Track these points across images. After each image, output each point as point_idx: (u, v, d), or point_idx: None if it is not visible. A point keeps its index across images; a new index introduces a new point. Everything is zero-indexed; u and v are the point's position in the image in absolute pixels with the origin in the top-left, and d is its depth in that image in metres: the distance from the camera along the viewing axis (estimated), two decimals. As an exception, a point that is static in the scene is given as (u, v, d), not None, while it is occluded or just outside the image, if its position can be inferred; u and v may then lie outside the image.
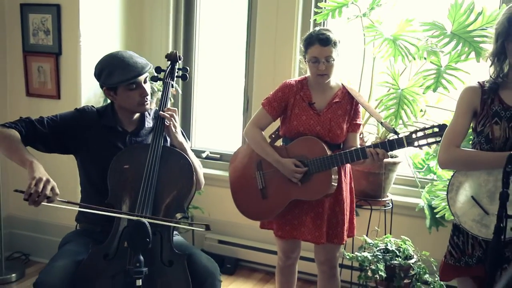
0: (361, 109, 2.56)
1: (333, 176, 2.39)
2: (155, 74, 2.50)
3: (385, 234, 2.85)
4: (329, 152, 2.38)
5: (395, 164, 2.94)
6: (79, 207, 1.99)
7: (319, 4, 3.06)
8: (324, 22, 3.29)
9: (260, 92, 3.45)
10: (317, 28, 2.49)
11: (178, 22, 3.90)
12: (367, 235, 2.86)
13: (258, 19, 3.58)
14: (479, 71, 2.58)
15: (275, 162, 2.47)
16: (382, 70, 2.89)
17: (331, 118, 2.46)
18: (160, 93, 2.67)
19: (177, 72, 2.49)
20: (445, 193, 2.25)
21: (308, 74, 2.51)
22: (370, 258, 2.59)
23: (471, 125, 2.20)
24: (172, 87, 2.47)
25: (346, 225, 2.53)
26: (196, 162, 2.30)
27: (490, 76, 2.14)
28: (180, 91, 3.80)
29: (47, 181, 1.87)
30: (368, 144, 2.66)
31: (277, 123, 2.65)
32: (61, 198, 1.92)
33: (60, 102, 3.52)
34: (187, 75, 2.53)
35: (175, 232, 2.29)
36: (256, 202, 2.54)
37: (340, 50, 2.42)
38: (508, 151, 2.01)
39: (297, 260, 2.75)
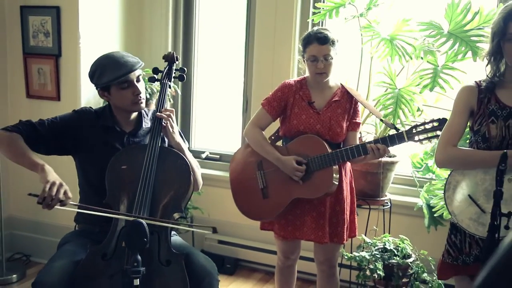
0: (360, 108, 2.57)
1: (334, 173, 2.39)
2: (153, 75, 2.51)
3: (384, 234, 2.85)
4: (329, 150, 2.39)
5: (393, 163, 2.94)
6: (91, 210, 2.00)
7: (316, 5, 3.07)
8: (322, 23, 3.30)
9: (259, 92, 3.46)
10: (315, 28, 2.50)
11: (178, 23, 3.91)
12: (365, 235, 2.86)
13: (256, 20, 3.59)
14: (476, 70, 2.59)
15: (276, 160, 2.47)
16: (379, 69, 2.89)
17: (330, 117, 2.46)
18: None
19: (175, 73, 2.50)
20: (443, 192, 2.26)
21: (307, 74, 2.53)
22: (368, 257, 2.60)
23: (468, 124, 2.21)
24: (170, 87, 2.48)
25: (346, 224, 2.54)
26: (193, 162, 2.31)
27: (487, 75, 2.15)
28: (179, 92, 3.82)
29: (60, 185, 1.91)
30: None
31: (276, 125, 2.66)
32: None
33: (60, 104, 3.54)
34: (185, 75, 2.54)
35: (173, 232, 2.30)
36: (257, 202, 2.54)
37: (338, 49, 2.44)
38: (505, 150, 2.02)
39: (296, 261, 2.76)
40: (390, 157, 2.97)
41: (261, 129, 2.57)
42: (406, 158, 3.13)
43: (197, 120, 4.07)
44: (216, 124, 4.13)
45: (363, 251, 2.70)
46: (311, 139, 2.44)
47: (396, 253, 2.65)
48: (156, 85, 3.27)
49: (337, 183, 2.42)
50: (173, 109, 2.35)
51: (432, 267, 2.70)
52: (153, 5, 3.86)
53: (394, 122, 2.77)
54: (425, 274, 2.66)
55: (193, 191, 2.28)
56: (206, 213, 3.63)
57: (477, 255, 2.13)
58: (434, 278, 2.62)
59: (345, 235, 2.52)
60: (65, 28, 3.46)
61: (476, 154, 2.11)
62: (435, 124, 2.25)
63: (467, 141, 2.47)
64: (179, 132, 2.36)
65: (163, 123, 2.24)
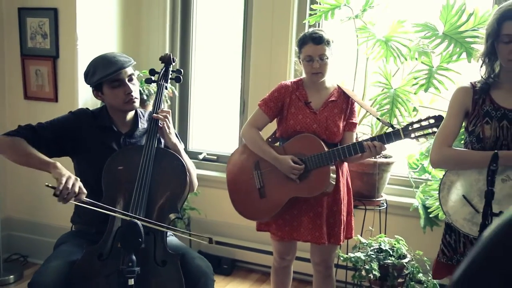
0: (356, 108, 2.59)
1: (331, 172, 2.40)
2: (150, 77, 2.52)
3: (380, 234, 2.86)
4: (326, 149, 2.40)
5: (389, 164, 2.95)
6: (103, 209, 2.02)
7: (312, 6, 3.09)
8: (318, 25, 3.32)
9: (256, 94, 3.47)
10: (310, 29, 2.52)
11: (175, 25, 3.92)
12: (361, 235, 2.87)
13: (253, 22, 3.60)
14: (470, 71, 2.60)
15: (272, 159, 2.48)
16: (375, 70, 2.91)
17: (327, 117, 2.48)
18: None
19: (171, 74, 2.51)
20: (438, 192, 2.27)
21: (304, 75, 2.54)
22: (363, 258, 2.60)
23: (463, 124, 2.22)
24: (166, 89, 2.50)
25: (343, 225, 2.54)
26: (189, 163, 2.32)
27: (481, 77, 2.17)
28: (177, 93, 3.83)
29: (76, 179, 1.96)
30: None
31: (273, 127, 2.67)
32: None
33: (57, 105, 3.54)
34: (181, 77, 2.56)
35: (169, 233, 2.31)
36: (254, 202, 2.55)
37: (333, 50, 2.46)
38: (498, 150, 2.04)
39: (292, 261, 2.77)
40: (386, 157, 2.99)
41: (258, 130, 2.58)
42: (402, 159, 3.14)
43: (194, 121, 4.07)
44: (213, 125, 4.14)
45: (358, 251, 2.71)
46: (307, 138, 2.46)
47: (391, 253, 2.66)
48: (153, 87, 3.28)
49: (334, 182, 2.43)
50: (170, 110, 2.37)
51: (428, 267, 2.71)
52: (151, 6, 3.88)
53: (390, 122, 2.78)
54: (420, 274, 2.67)
55: (189, 192, 2.29)
56: (203, 214, 3.64)
57: (471, 255, 2.14)
58: (429, 278, 2.63)
59: (341, 236, 2.53)
60: (63, 30, 3.47)
61: (470, 154, 2.12)
62: (431, 121, 2.26)
63: (462, 142, 2.49)
64: (175, 133, 2.37)
65: (159, 124, 2.25)
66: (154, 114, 2.28)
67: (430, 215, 2.87)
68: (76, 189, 1.93)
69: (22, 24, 3.57)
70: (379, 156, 2.97)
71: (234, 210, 2.65)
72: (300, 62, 2.51)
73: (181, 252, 2.14)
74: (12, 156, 2.15)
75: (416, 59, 2.78)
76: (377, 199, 3.00)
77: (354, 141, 2.55)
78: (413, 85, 2.76)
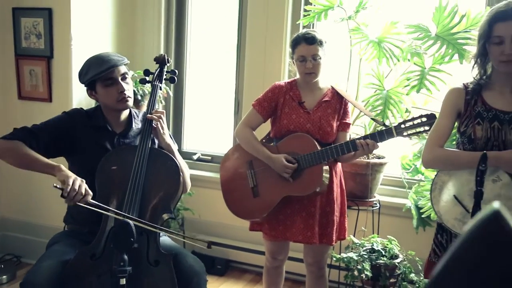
0: (350, 109, 2.60)
1: (324, 171, 2.41)
2: (144, 77, 2.53)
3: (372, 234, 2.88)
4: (319, 148, 2.41)
5: (381, 165, 2.97)
6: (109, 212, 2.03)
7: (305, 7, 3.10)
8: (312, 26, 3.33)
9: (250, 94, 3.48)
10: (303, 30, 2.54)
11: (170, 25, 3.93)
12: (354, 235, 2.89)
13: (248, 23, 3.61)
14: (462, 72, 2.62)
15: (266, 158, 2.49)
16: (368, 71, 2.92)
17: (321, 116, 2.49)
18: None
19: (166, 75, 2.52)
20: (431, 193, 2.28)
21: (298, 76, 2.56)
22: (356, 258, 2.62)
23: (455, 125, 2.24)
24: (160, 89, 2.50)
25: (336, 225, 2.55)
26: (183, 164, 2.33)
27: (473, 78, 2.18)
28: (171, 94, 3.83)
29: (82, 181, 1.98)
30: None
31: (268, 128, 2.68)
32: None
33: (51, 105, 3.54)
34: (176, 77, 2.57)
35: (162, 233, 2.31)
36: (248, 201, 2.56)
37: (326, 50, 2.48)
38: (489, 151, 2.05)
39: (284, 262, 2.78)
40: (379, 158, 3.00)
41: (252, 129, 2.60)
42: (395, 159, 3.16)
43: (189, 121, 4.08)
44: (207, 126, 4.15)
45: (351, 252, 2.72)
46: (301, 137, 2.47)
47: (383, 253, 2.67)
48: (148, 87, 3.29)
49: (327, 182, 2.45)
50: (164, 111, 2.37)
51: (420, 267, 2.72)
52: (146, 7, 3.88)
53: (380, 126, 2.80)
54: (412, 274, 2.68)
55: (182, 192, 2.30)
56: (197, 214, 3.64)
57: (462, 255, 2.15)
58: (422, 278, 2.65)
59: (334, 236, 2.54)
60: (57, 30, 3.47)
61: (461, 155, 2.14)
62: (424, 119, 2.28)
63: (454, 143, 2.50)
64: (169, 134, 2.38)
65: (153, 124, 2.26)
66: (148, 115, 2.28)
67: (423, 216, 2.88)
68: (83, 191, 1.95)
69: (17, 24, 3.56)
70: (372, 156, 2.99)
71: (228, 210, 2.66)
72: (293, 62, 2.53)
73: (174, 252, 2.15)
74: (14, 160, 2.14)
75: (409, 60, 2.80)
76: (370, 200, 3.02)
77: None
78: (405, 86, 2.78)
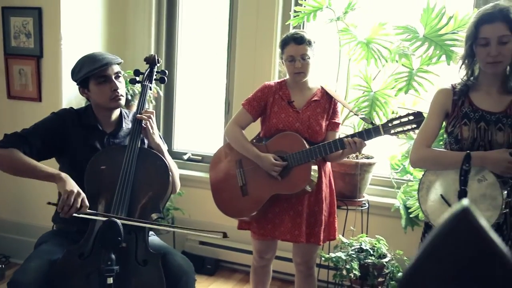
0: (339, 109, 2.62)
1: (312, 171, 2.43)
2: (134, 77, 2.53)
3: (361, 234, 2.90)
4: (307, 146, 2.43)
5: (370, 165, 2.99)
6: (104, 217, 2.04)
7: (295, 8, 3.12)
8: (302, 26, 3.35)
9: (241, 94, 3.48)
10: (292, 30, 2.55)
11: (161, 25, 3.93)
12: (343, 235, 2.91)
13: (238, 24, 3.62)
14: (450, 73, 2.64)
15: (254, 157, 2.51)
16: (357, 72, 2.94)
17: (310, 116, 2.51)
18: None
19: (156, 75, 2.53)
20: (419, 192, 2.30)
21: (288, 76, 2.58)
22: (344, 258, 2.63)
23: (443, 125, 2.26)
24: (150, 89, 2.51)
25: (324, 225, 2.57)
26: (172, 164, 2.33)
27: (461, 79, 2.21)
28: (162, 94, 3.83)
29: (78, 193, 1.99)
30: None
31: (258, 129, 2.70)
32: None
33: (41, 105, 3.53)
34: (166, 78, 2.57)
35: (151, 232, 2.32)
36: (237, 200, 2.58)
37: (315, 50, 2.50)
38: (476, 151, 2.08)
39: (271, 261, 2.80)
40: (367, 158, 3.02)
41: (241, 128, 2.61)
42: (384, 159, 3.18)
43: (179, 121, 4.08)
44: (198, 126, 4.15)
45: (340, 251, 2.74)
46: (289, 136, 2.49)
47: (371, 253, 2.69)
48: (138, 87, 3.29)
49: (315, 180, 2.46)
50: (153, 111, 2.38)
51: (408, 266, 2.74)
52: (136, 7, 3.88)
53: (368, 125, 2.82)
54: (400, 274, 2.70)
55: (171, 193, 2.31)
56: (187, 214, 3.64)
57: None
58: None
59: (322, 236, 2.56)
60: (47, 29, 3.47)
61: (447, 155, 2.16)
62: (411, 117, 2.31)
63: (441, 143, 2.53)
64: (158, 134, 2.38)
65: (143, 124, 2.27)
66: (138, 115, 2.29)
67: (411, 215, 2.91)
68: (78, 205, 1.97)
69: (6, 23, 3.55)
70: (361, 156, 3.01)
71: (218, 210, 2.67)
72: (283, 63, 2.55)
73: (163, 251, 2.15)
74: (11, 170, 2.14)
75: (397, 61, 2.82)
76: (359, 200, 3.03)
77: None
78: (393, 88, 2.80)
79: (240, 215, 2.62)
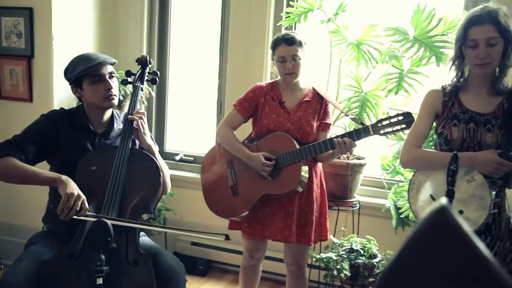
0: (330, 110, 2.63)
1: (303, 171, 2.43)
2: (126, 78, 2.53)
3: (352, 234, 2.91)
4: (298, 147, 2.44)
5: (361, 165, 3.00)
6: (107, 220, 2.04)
7: (286, 10, 3.14)
8: (293, 28, 3.35)
9: (232, 95, 3.49)
10: (284, 32, 2.57)
11: (153, 26, 3.93)
12: (334, 236, 2.92)
13: (231, 25, 3.63)
14: (440, 75, 2.67)
15: (245, 157, 2.52)
16: (348, 73, 2.96)
17: (301, 116, 2.52)
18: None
19: (147, 76, 2.53)
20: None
21: (279, 77, 2.59)
22: (335, 258, 2.64)
23: (433, 126, 2.28)
24: (142, 90, 2.51)
25: (314, 226, 2.58)
26: (163, 165, 2.33)
27: (451, 80, 2.23)
28: (154, 95, 3.83)
29: (78, 196, 2.00)
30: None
31: (250, 129, 2.70)
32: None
33: (32, 105, 3.52)
34: (157, 79, 2.57)
35: (141, 233, 2.32)
36: (227, 200, 2.59)
37: (306, 51, 2.52)
38: (465, 152, 2.10)
39: (261, 260, 2.81)
40: (358, 159, 3.04)
41: (233, 129, 2.62)
42: (375, 160, 3.19)
43: (171, 122, 4.08)
44: (190, 127, 4.16)
45: (330, 251, 2.75)
46: (280, 136, 2.50)
47: (362, 253, 2.70)
48: (129, 88, 3.29)
49: (306, 181, 2.47)
50: (145, 112, 2.38)
51: (398, 266, 2.75)
52: (128, 8, 3.87)
53: (358, 126, 2.83)
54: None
55: (162, 193, 2.31)
56: (178, 214, 3.64)
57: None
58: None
59: (312, 236, 2.56)
60: (38, 30, 3.46)
61: (436, 155, 2.18)
62: (400, 118, 2.32)
63: (430, 143, 2.55)
64: (150, 135, 2.38)
65: (134, 125, 2.27)
66: (129, 115, 2.29)
67: (402, 216, 2.93)
68: (78, 208, 1.98)
69: (-3, 23, 3.54)
70: (352, 157, 3.02)
71: (209, 211, 2.67)
72: (274, 64, 2.56)
73: (153, 252, 2.15)
74: (11, 179, 2.14)
75: (387, 62, 2.84)
76: (350, 200, 3.05)
77: None
78: (383, 89, 2.82)
79: (231, 215, 2.63)
